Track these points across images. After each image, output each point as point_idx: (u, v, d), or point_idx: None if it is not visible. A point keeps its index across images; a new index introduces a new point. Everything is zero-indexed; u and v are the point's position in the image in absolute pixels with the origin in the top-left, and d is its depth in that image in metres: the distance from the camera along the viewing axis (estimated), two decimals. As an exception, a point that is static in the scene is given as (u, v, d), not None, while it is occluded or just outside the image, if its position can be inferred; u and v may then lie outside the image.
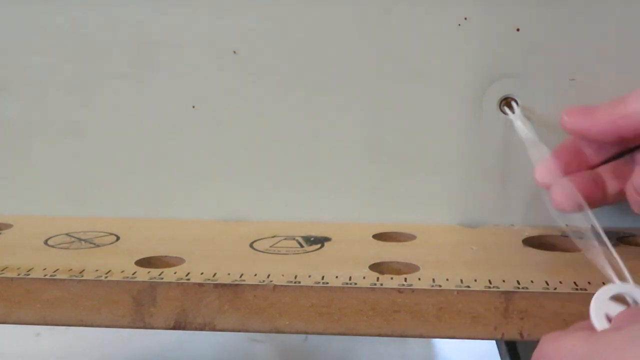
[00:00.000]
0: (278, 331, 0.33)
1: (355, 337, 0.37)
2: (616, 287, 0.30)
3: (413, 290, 0.33)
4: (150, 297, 0.34)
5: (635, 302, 0.29)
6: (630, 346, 0.25)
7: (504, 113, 0.42)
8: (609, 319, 0.29)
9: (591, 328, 0.29)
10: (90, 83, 0.45)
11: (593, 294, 0.30)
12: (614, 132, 0.35)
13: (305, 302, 0.33)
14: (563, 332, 0.29)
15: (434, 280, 0.34)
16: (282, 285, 0.34)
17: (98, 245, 0.41)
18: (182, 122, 0.45)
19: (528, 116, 0.41)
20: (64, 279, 0.35)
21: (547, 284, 0.33)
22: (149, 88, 0.45)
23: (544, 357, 0.28)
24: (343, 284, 0.34)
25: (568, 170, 0.36)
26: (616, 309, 0.29)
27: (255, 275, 0.35)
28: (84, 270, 0.36)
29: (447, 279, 0.34)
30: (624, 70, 0.40)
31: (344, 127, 0.44)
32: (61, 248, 0.40)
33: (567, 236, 0.40)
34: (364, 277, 0.35)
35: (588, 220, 0.33)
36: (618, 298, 0.30)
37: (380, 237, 0.42)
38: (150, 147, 0.46)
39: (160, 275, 0.35)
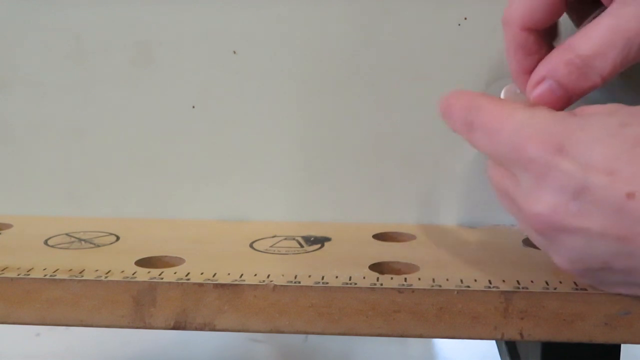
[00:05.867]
0: (278, 331, 0.33)
1: (355, 337, 0.37)
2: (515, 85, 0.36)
3: (413, 290, 0.33)
4: (150, 297, 0.34)
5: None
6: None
7: None
8: None
9: None
10: (90, 83, 0.45)
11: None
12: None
13: (305, 302, 0.33)
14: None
15: (434, 280, 0.34)
16: (282, 285, 0.34)
17: (98, 245, 0.41)
18: (182, 122, 0.45)
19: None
20: (64, 279, 0.35)
21: (547, 284, 0.33)
22: (149, 88, 0.45)
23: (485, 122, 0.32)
24: (343, 284, 0.34)
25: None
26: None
27: (255, 275, 0.35)
28: (84, 270, 0.36)
29: (447, 279, 0.34)
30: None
31: (344, 127, 0.44)
32: (61, 248, 0.40)
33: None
34: (364, 277, 0.35)
35: None
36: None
37: (380, 237, 0.42)
38: (150, 147, 0.46)
39: (160, 275, 0.35)
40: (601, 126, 0.29)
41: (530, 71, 0.34)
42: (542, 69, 0.33)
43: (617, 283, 0.31)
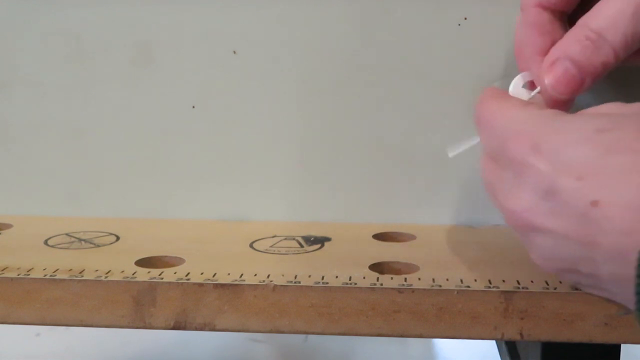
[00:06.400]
0: (278, 331, 0.33)
1: (355, 337, 0.37)
2: (529, 74, 0.35)
3: (413, 290, 0.33)
4: (150, 297, 0.34)
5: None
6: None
7: None
8: None
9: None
10: (90, 83, 0.45)
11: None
12: None
13: (305, 302, 0.33)
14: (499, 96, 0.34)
15: (434, 280, 0.34)
16: (282, 285, 0.34)
17: (98, 245, 0.41)
18: (182, 122, 0.45)
19: None
20: (64, 279, 0.35)
21: (547, 284, 0.33)
22: (149, 88, 0.45)
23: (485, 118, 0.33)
24: (343, 284, 0.34)
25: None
26: (528, 94, 0.35)
27: (255, 275, 0.35)
28: (84, 270, 0.36)
29: (447, 279, 0.34)
30: (624, 69, 0.40)
31: (344, 127, 0.44)
32: (61, 248, 0.40)
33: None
34: (364, 277, 0.35)
35: None
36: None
37: (380, 237, 0.42)
38: (150, 147, 0.46)
39: (160, 275, 0.35)
40: (578, 129, 0.29)
41: (543, 53, 0.34)
42: (556, 50, 0.33)
43: (588, 285, 0.31)
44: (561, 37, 0.34)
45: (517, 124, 0.31)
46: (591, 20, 0.32)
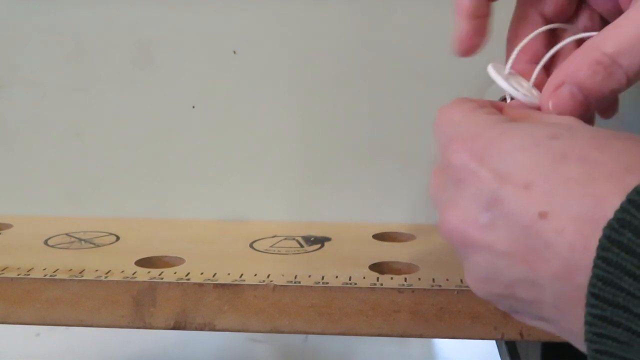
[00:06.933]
0: (278, 331, 0.33)
1: (355, 337, 0.37)
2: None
3: (413, 290, 0.33)
4: (150, 297, 0.34)
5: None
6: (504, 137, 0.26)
7: None
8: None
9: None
10: (90, 83, 0.45)
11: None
12: None
13: (305, 302, 0.33)
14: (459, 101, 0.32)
15: (434, 280, 0.34)
16: (282, 285, 0.34)
17: (98, 245, 0.41)
18: (182, 122, 0.45)
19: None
20: (64, 279, 0.35)
21: (547, 284, 0.33)
22: (149, 88, 0.45)
23: (437, 122, 0.32)
24: (343, 284, 0.34)
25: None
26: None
27: (255, 275, 0.35)
28: (84, 270, 0.36)
29: (447, 279, 0.34)
30: None
31: (344, 127, 0.44)
32: (61, 248, 0.40)
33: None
34: (364, 277, 0.35)
35: None
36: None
37: (380, 237, 0.42)
38: (150, 147, 0.46)
39: (160, 275, 0.35)
40: (528, 134, 0.26)
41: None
42: (561, 73, 0.30)
43: (525, 313, 0.27)
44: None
45: (460, 129, 0.28)
46: (604, 43, 0.29)
